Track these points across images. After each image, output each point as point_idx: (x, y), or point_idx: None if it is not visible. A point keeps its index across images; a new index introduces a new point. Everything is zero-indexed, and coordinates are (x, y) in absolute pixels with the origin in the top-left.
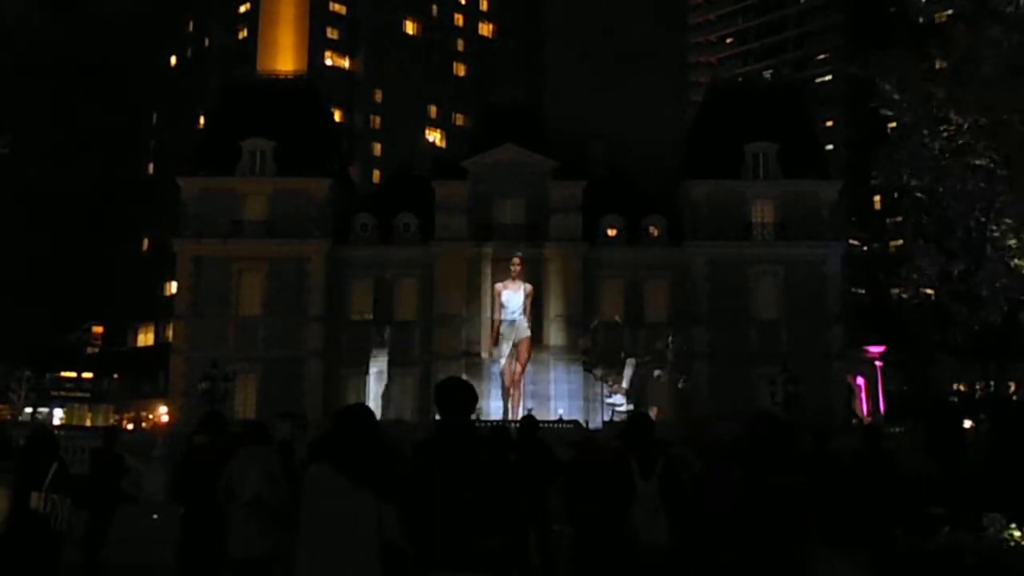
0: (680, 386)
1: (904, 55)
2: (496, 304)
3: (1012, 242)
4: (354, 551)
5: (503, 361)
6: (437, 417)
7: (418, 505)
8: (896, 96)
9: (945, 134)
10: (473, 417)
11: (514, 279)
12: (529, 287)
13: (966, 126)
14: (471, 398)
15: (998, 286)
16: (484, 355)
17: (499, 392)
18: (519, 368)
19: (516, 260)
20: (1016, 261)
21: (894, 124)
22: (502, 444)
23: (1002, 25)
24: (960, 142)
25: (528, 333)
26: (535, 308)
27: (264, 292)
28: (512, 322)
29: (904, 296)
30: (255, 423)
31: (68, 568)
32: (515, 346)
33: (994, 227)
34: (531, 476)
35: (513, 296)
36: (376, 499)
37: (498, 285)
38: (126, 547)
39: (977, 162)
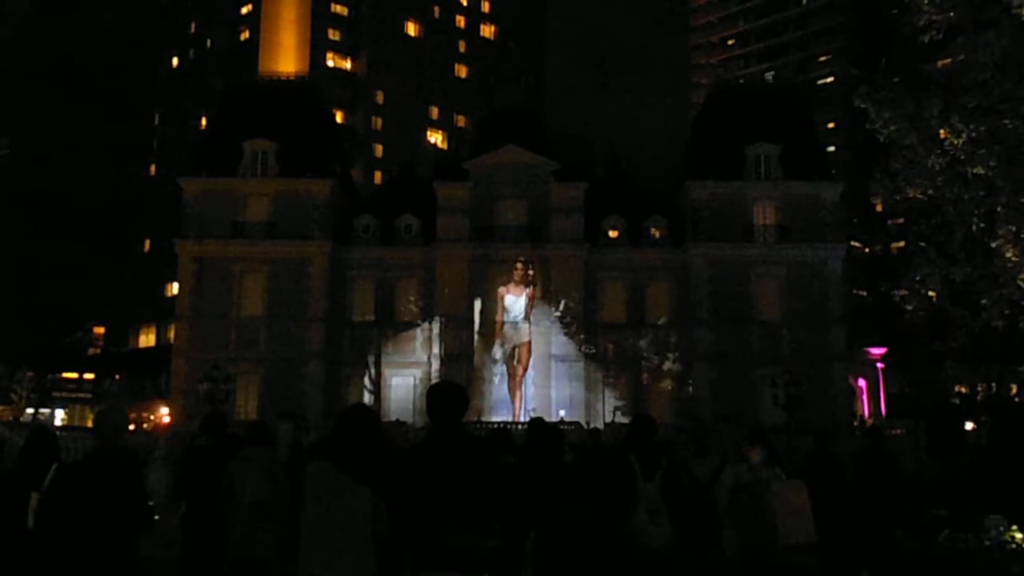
0: (690, 391)
1: (899, 87)
2: (500, 307)
3: (1011, 255)
4: (352, 547)
5: (503, 363)
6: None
7: (410, 506)
8: (890, 122)
9: (939, 151)
10: (473, 419)
11: (517, 284)
12: (532, 291)
13: (960, 142)
14: (462, 402)
15: (1001, 294)
16: (485, 357)
17: (498, 394)
18: (520, 371)
19: (519, 265)
20: (1019, 276)
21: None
22: (500, 447)
23: (995, 30)
24: (956, 155)
25: (528, 338)
26: (537, 310)
27: (265, 293)
28: (514, 326)
29: (908, 307)
30: (257, 424)
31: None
32: (516, 349)
33: (998, 239)
34: (535, 480)
35: (515, 301)
36: (373, 497)
37: (501, 289)
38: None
39: (975, 171)
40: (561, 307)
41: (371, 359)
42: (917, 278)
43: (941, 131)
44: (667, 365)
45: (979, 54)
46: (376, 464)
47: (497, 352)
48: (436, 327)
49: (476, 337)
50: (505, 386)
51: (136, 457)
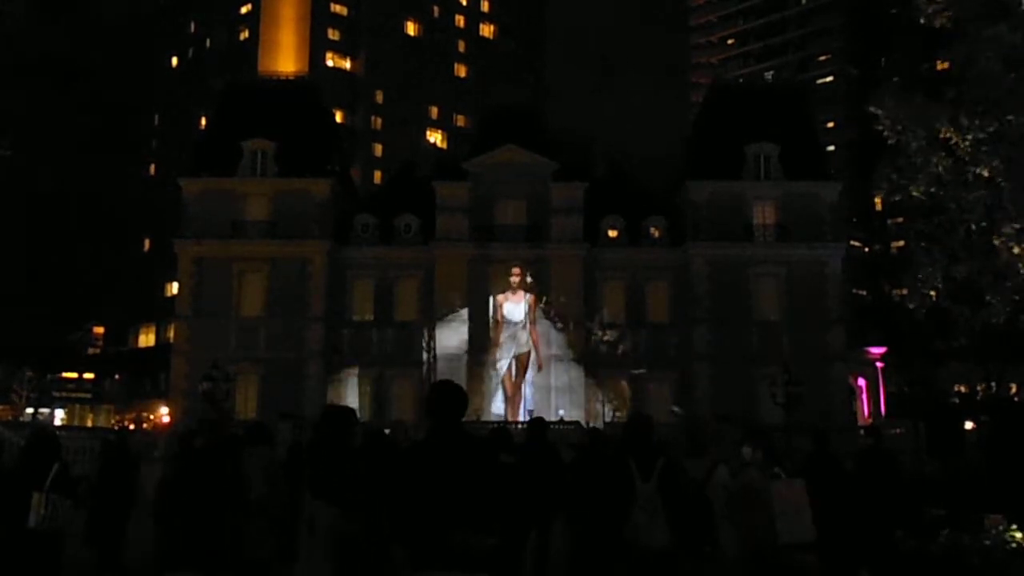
0: (676, 410)
1: (906, 87)
2: (499, 314)
3: (1017, 251)
4: (311, 547)
5: (503, 368)
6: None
7: (410, 505)
8: (898, 126)
9: (943, 153)
10: (473, 419)
11: (515, 290)
12: (531, 298)
13: (967, 144)
14: (462, 401)
15: (1006, 286)
16: (487, 356)
17: (499, 394)
18: (520, 380)
19: (516, 271)
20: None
21: (888, 133)
22: (498, 446)
23: (1007, 22)
24: (961, 156)
25: (529, 348)
26: (536, 310)
27: (265, 293)
28: (514, 335)
29: (911, 305)
30: (257, 424)
31: (80, 568)
32: (516, 359)
33: (1001, 235)
34: (535, 478)
35: (514, 308)
36: (312, 498)
37: (499, 297)
38: (127, 547)
39: (978, 171)
40: (559, 307)
41: (425, 355)
42: (920, 276)
43: (947, 133)
44: (665, 367)
45: (986, 47)
46: (315, 465)
47: (499, 351)
48: (436, 327)
49: (492, 333)
50: (503, 388)
51: (222, 455)
